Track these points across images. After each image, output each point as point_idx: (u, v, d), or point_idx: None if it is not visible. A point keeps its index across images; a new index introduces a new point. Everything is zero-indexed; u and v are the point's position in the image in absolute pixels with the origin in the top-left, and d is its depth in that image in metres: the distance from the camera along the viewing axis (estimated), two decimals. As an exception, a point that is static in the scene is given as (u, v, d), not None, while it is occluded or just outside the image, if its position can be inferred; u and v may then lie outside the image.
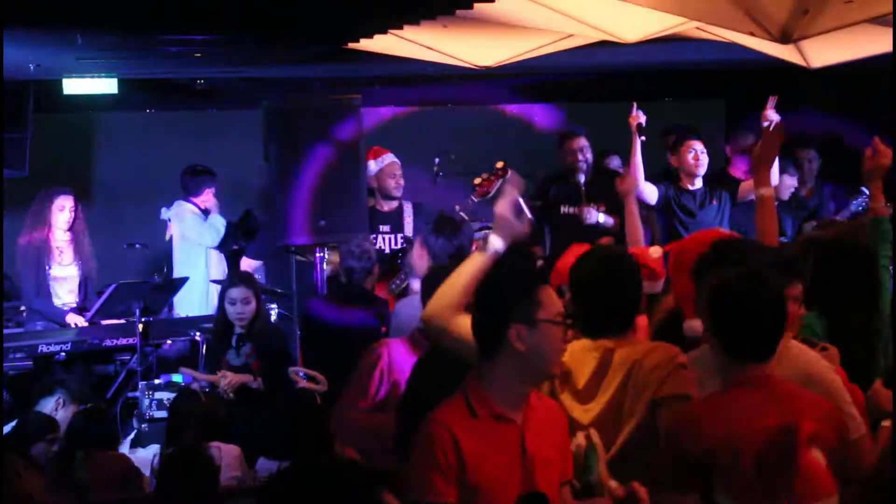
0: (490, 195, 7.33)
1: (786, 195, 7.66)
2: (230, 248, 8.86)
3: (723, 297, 3.41)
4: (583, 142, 7.96)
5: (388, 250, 7.61)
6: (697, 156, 7.44)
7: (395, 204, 7.82)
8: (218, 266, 8.86)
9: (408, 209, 7.80)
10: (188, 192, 8.84)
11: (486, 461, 3.13)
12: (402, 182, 7.83)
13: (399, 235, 7.68)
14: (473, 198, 7.27)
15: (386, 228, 7.73)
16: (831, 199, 8.43)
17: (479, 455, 3.12)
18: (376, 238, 7.61)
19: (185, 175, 8.91)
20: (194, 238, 8.76)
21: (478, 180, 7.34)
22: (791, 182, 7.61)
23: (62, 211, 7.78)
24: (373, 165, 7.78)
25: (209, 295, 8.70)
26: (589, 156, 7.94)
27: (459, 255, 5.33)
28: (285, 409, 5.08)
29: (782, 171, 7.56)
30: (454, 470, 3.10)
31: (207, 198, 8.82)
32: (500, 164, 7.33)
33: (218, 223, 8.79)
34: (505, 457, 3.17)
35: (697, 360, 3.68)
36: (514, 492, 3.13)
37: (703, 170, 7.47)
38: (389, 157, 7.85)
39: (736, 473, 3.25)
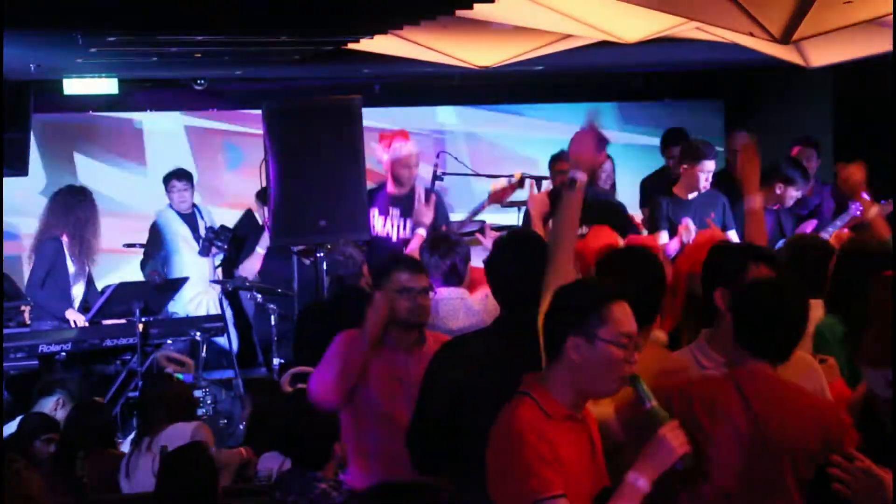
0: (502, 204, 7.32)
1: (789, 203, 7.65)
2: (209, 251, 8.70)
3: (749, 305, 3.44)
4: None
5: (395, 238, 7.42)
6: (708, 178, 7.39)
7: (406, 188, 7.53)
8: (193, 267, 8.77)
9: (420, 194, 7.47)
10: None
11: (569, 461, 3.11)
12: (415, 172, 7.50)
13: (409, 220, 7.37)
14: (485, 203, 7.22)
15: (396, 212, 7.49)
16: (832, 197, 8.42)
17: (564, 455, 3.09)
18: (385, 221, 7.45)
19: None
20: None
21: (496, 187, 7.26)
22: (797, 194, 7.59)
23: (86, 214, 7.85)
24: (384, 156, 7.49)
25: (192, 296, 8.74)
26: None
27: (452, 274, 5.38)
28: (286, 408, 5.08)
29: (792, 184, 7.53)
30: (557, 463, 3.05)
31: (175, 199, 8.81)
32: (517, 176, 7.23)
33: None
34: (580, 456, 3.18)
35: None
36: (588, 490, 3.15)
37: (706, 188, 7.42)
38: (405, 149, 7.47)
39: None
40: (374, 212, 7.49)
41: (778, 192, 7.46)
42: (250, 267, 8.45)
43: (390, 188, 7.52)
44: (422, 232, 6.96)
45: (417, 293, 4.51)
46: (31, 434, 5.61)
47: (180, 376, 7.05)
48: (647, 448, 3.14)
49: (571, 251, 3.84)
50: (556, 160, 8.09)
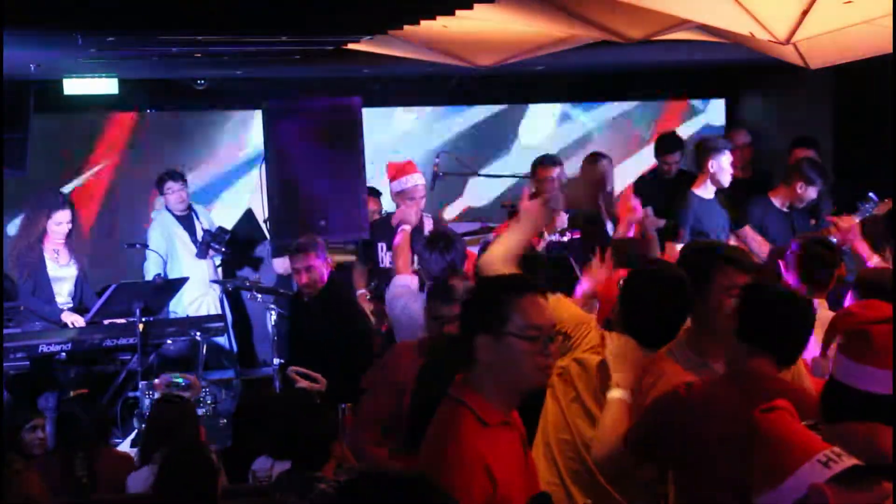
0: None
1: (803, 205, 7.72)
2: (206, 253, 8.67)
3: (755, 308, 3.42)
4: (555, 171, 7.75)
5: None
6: (729, 170, 7.50)
7: (414, 221, 7.24)
8: (193, 269, 8.73)
9: (427, 225, 7.30)
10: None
11: (506, 471, 3.04)
12: (422, 205, 7.27)
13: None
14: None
15: None
16: (829, 198, 8.44)
17: (502, 467, 3.02)
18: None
19: None
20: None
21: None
22: (814, 196, 7.68)
23: (59, 226, 7.80)
24: (395, 185, 7.29)
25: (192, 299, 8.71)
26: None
27: (451, 270, 5.44)
28: (284, 409, 5.08)
29: (811, 183, 7.56)
30: (488, 495, 2.96)
31: (171, 200, 8.79)
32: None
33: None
34: (515, 462, 3.13)
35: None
36: (523, 496, 3.09)
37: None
38: (413, 180, 7.25)
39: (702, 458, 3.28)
40: (382, 245, 7.31)
41: (799, 191, 7.57)
42: (283, 261, 8.34)
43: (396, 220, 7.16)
44: (407, 228, 6.75)
45: None
46: (16, 426, 5.55)
47: (180, 380, 7.04)
48: None
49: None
50: (540, 166, 7.89)
